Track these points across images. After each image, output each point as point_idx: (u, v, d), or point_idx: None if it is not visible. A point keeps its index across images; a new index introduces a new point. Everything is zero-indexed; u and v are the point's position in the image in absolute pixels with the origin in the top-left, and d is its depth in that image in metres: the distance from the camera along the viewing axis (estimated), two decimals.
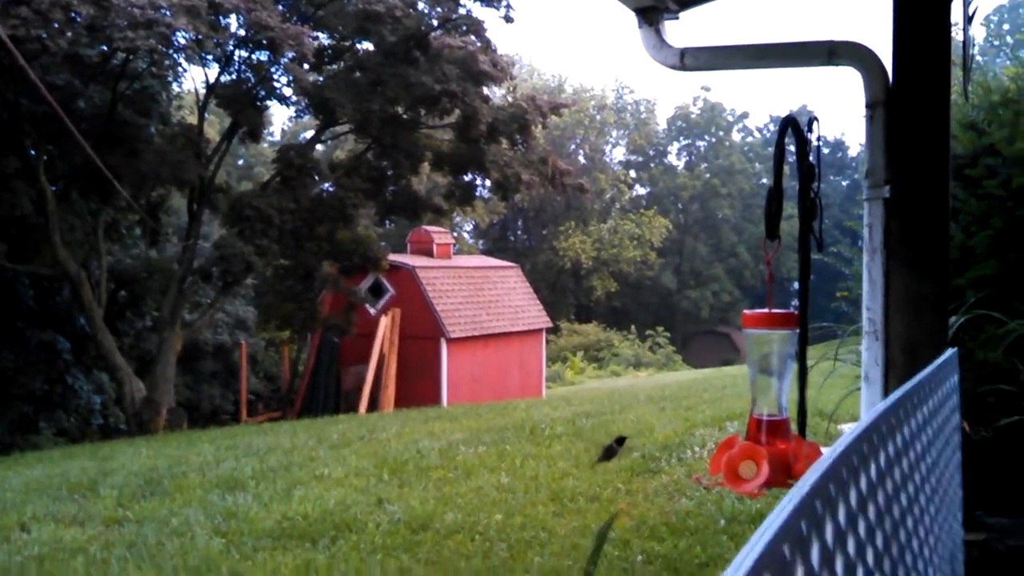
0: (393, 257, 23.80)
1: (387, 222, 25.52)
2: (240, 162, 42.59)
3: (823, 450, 1.56)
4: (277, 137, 46.91)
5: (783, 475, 1.63)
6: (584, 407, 12.83)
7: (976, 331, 4.50)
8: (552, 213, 50.42)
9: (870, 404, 2.87)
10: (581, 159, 52.61)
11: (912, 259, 2.90)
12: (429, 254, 25.79)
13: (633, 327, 44.42)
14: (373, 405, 20.99)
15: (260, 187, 21.03)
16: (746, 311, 1.74)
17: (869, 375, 2.90)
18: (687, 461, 7.18)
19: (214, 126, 27.72)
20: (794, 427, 1.81)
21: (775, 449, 1.66)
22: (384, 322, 22.23)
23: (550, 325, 29.22)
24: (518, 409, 13.44)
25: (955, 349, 2.12)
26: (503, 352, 25.37)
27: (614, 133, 56.32)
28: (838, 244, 5.45)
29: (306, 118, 25.19)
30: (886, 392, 2.82)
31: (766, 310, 1.75)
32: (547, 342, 30.07)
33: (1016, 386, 4.29)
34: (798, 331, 1.77)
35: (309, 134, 25.67)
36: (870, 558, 1.18)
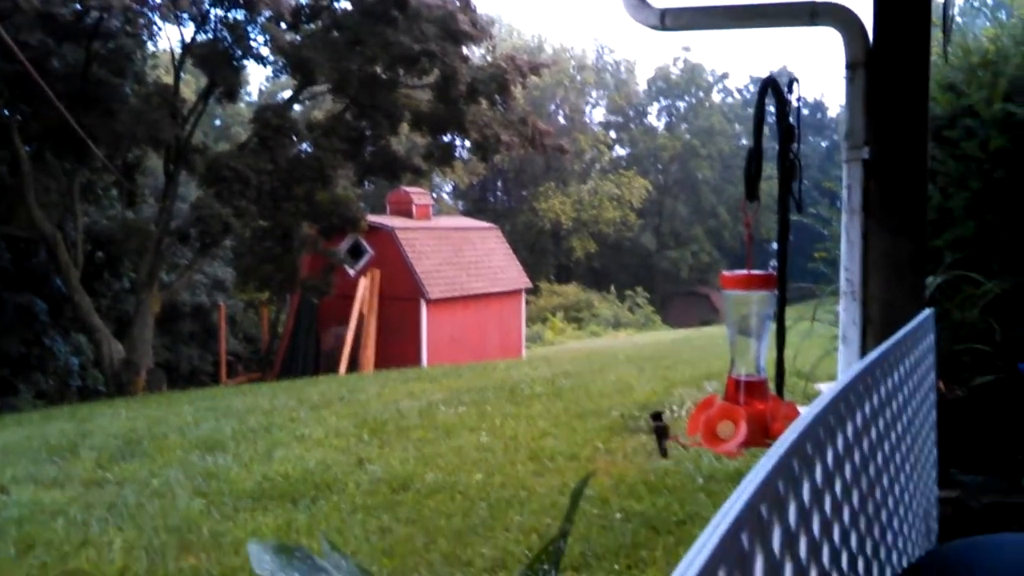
0: (372, 218, 23.70)
1: (366, 183, 25.36)
2: (217, 122, 42.19)
3: (801, 409, 1.58)
4: (254, 97, 46.44)
5: (761, 435, 1.64)
6: (564, 367, 12.89)
7: (953, 291, 4.54)
8: (532, 174, 50.30)
9: (847, 364, 2.89)
10: (561, 120, 52.40)
11: (890, 220, 2.91)
12: (408, 215, 25.69)
13: (613, 288, 44.54)
14: (353, 366, 21.00)
15: (237, 148, 20.85)
16: (725, 272, 1.74)
17: (847, 335, 2.93)
18: (666, 420, 7.22)
19: (190, 86, 27.40)
20: (773, 387, 1.83)
21: (753, 409, 1.67)
22: (363, 283, 22.18)
23: (530, 286, 29.25)
24: (498, 369, 13.49)
25: (932, 309, 2.14)
26: (483, 313, 25.39)
27: (594, 94, 56.11)
28: (817, 205, 5.47)
29: (283, 78, 24.94)
30: (863, 352, 2.85)
31: (745, 271, 1.76)
32: (527, 303, 30.12)
33: (991, 346, 4.33)
34: (776, 292, 1.78)
35: (287, 94, 25.43)
36: (846, 516, 1.19)
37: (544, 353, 24.51)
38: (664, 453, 1.97)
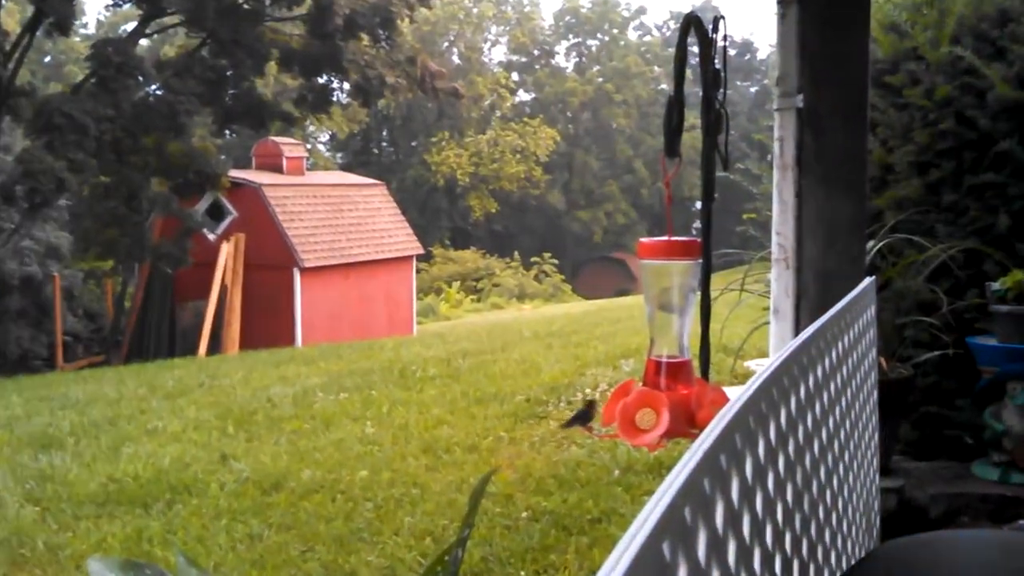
0: (235, 173, 23.31)
1: (228, 132, 24.96)
2: (47, 59, 40.93)
3: (730, 393, 1.60)
4: (92, 30, 45.15)
5: (685, 424, 1.66)
6: (461, 345, 12.91)
7: (895, 257, 4.66)
8: (422, 122, 50.05)
9: (780, 340, 2.95)
10: (455, 59, 52.18)
11: (827, 177, 2.96)
12: (278, 170, 25.34)
13: (516, 253, 44.73)
14: (215, 346, 20.70)
15: (72, 89, 20.27)
16: (643, 239, 1.75)
17: (779, 307, 2.98)
18: (577, 404, 7.30)
19: (13, 15, 26.49)
20: (698, 368, 1.85)
21: (676, 395, 1.68)
22: (226, 249, 21.84)
23: (421, 252, 29.18)
24: (385, 349, 13.43)
25: (872, 277, 2.19)
26: (367, 283, 25.26)
27: (493, 30, 56.01)
28: (746, 160, 5.55)
29: (127, 7, 24.28)
30: (798, 326, 2.90)
31: (665, 238, 1.77)
32: (418, 271, 30.05)
33: (937, 318, 4.46)
34: (701, 261, 1.79)
35: (130, 26, 24.75)
36: (779, 515, 1.21)
37: (438, 329, 24.48)
38: (574, 422, 1.97)
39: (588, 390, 7.91)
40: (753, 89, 56.60)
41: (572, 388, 8.02)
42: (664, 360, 1.77)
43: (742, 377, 6.31)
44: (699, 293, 1.83)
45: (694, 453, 0.91)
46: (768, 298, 3.36)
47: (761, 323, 4.97)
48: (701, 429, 1.08)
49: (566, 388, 8.04)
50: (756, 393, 1.14)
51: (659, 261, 1.77)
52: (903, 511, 4.05)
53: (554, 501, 5.14)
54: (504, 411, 7.41)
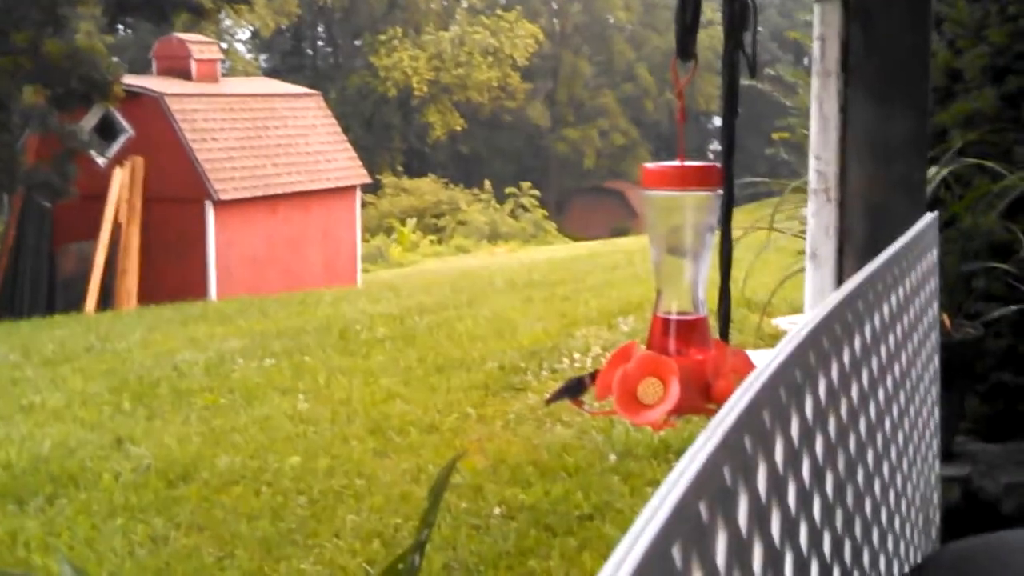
0: (130, 80, 23.09)
1: (121, 27, 24.70)
2: None
3: (755, 359, 1.58)
4: None
5: (700, 397, 1.64)
6: (417, 299, 12.91)
7: (963, 187, 4.66)
8: (368, 16, 49.69)
9: (818, 292, 2.93)
10: None
11: (879, 86, 2.93)
12: (185, 75, 25.13)
13: (487, 183, 44.57)
14: (106, 300, 20.62)
15: None
16: (647, 165, 1.73)
17: (817, 251, 2.96)
18: (563, 373, 7.32)
19: None
20: (716, 328, 1.84)
21: (688, 361, 1.66)
22: (119, 177, 21.69)
23: (368, 181, 29.05)
24: (322, 303, 13.42)
25: (935, 213, 2.17)
26: (299, 220, 25.16)
27: None
28: (777, 64, 5.53)
29: None
30: (840, 275, 2.88)
31: (676, 163, 1.75)
32: (363, 205, 29.94)
33: (1014, 264, 4.46)
34: (721, 192, 1.77)
35: None
36: (817, 514, 1.21)
37: (389, 278, 24.44)
38: (561, 396, 1.95)
39: (577, 355, 7.93)
40: None
41: (557, 352, 8.04)
42: (674, 318, 1.74)
43: (769, 339, 6.32)
44: (718, 233, 1.82)
45: (711, 434, 0.91)
46: (803, 239, 3.32)
47: (794, 271, 4.96)
48: (719, 404, 1.07)
49: (549, 352, 8.06)
50: (789, 359, 1.14)
51: (668, 192, 1.74)
52: (969, 505, 4.08)
53: (534, 494, 5.15)
54: (472, 381, 7.42)
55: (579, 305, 10.79)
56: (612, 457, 5.54)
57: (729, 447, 0.92)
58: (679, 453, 5.42)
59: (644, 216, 1.85)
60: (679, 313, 1.75)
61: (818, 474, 1.23)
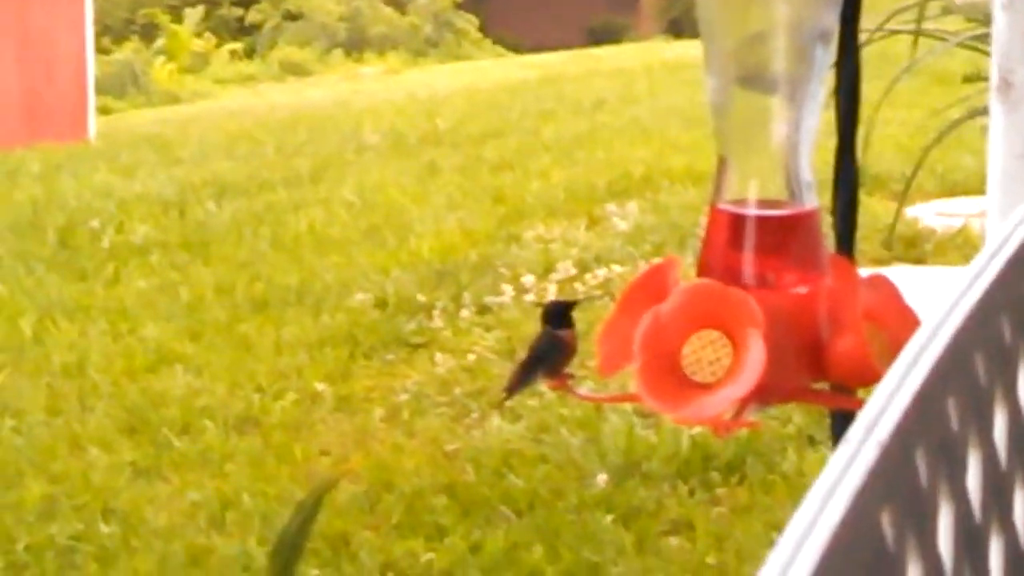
0: None
1: None
2: None
3: (905, 290, 1.08)
4: None
5: (804, 368, 1.04)
6: (211, 166, 9.00)
7: None
8: None
9: (1016, 156, 1.91)
10: None
11: None
12: None
13: None
14: None
15: None
16: None
17: (1011, 78, 1.93)
18: (502, 314, 4.99)
19: None
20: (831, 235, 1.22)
21: (782, 298, 1.05)
22: None
23: None
24: (21, 175, 9.33)
25: None
26: None
27: None
28: None
29: None
30: None
31: None
32: None
33: None
34: None
35: None
36: None
37: (153, 126, 14.11)
38: (532, 370, 1.23)
39: (529, 277, 5.46)
40: None
41: (489, 272, 5.59)
42: (752, 212, 1.10)
43: (905, 245, 4.65)
44: (835, 45, 1.12)
45: (848, 448, 0.59)
46: (981, 53, 2.80)
47: (958, 120, 3.58)
48: (847, 384, 0.85)
49: (473, 272, 5.63)
50: (984, 298, 0.75)
51: None
52: None
53: (450, 551, 3.32)
54: (323, 331, 5.06)
55: (529, 180, 7.48)
56: (601, 478, 3.63)
57: (889, 476, 0.60)
58: (729, 468, 3.60)
59: (695, 8, 1.09)
60: (763, 204, 1.11)
61: None
